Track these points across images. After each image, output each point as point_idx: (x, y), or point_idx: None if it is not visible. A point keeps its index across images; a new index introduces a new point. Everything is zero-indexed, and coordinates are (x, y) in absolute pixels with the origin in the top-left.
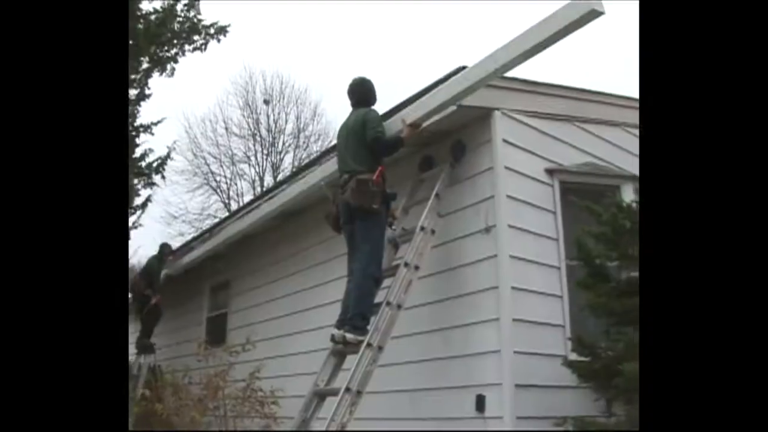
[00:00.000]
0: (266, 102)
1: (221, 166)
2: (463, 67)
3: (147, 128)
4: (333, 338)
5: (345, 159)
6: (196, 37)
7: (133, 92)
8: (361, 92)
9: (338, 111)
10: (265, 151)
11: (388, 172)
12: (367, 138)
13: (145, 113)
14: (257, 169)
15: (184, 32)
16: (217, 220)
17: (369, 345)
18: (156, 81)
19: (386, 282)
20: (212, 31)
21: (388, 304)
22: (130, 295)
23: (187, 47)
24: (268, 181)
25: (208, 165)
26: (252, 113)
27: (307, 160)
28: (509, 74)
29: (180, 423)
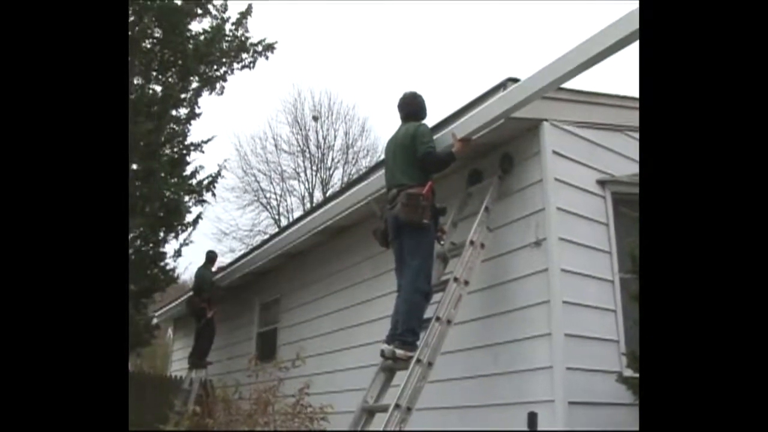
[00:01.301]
0: (315, 118)
1: (271, 182)
2: (511, 79)
3: (197, 146)
4: (383, 353)
5: (393, 173)
6: (244, 55)
7: (183, 111)
8: (412, 106)
9: (386, 126)
10: (315, 167)
11: (437, 186)
12: (418, 153)
13: (195, 132)
14: (307, 186)
15: (232, 51)
16: (267, 236)
17: (419, 361)
18: (206, 100)
19: (436, 297)
20: (260, 48)
21: (438, 319)
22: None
23: (235, 65)
24: (318, 197)
25: (258, 182)
26: (301, 130)
27: (356, 176)
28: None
29: None
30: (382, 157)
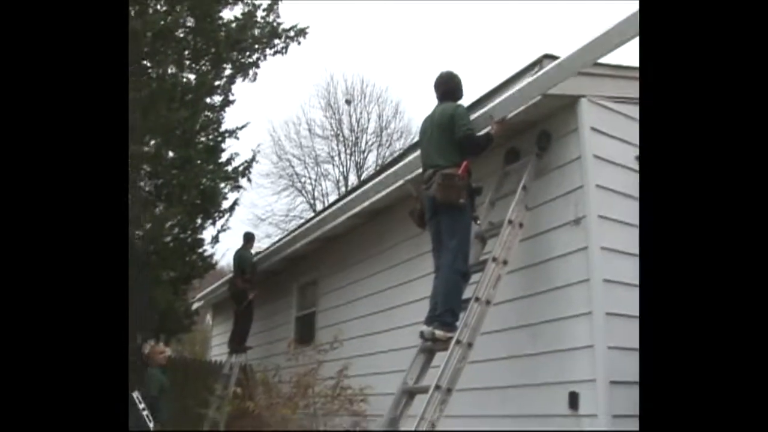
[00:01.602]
0: (348, 102)
1: (305, 167)
2: (547, 56)
3: (232, 133)
4: (422, 335)
5: (429, 153)
6: (276, 41)
7: (217, 99)
8: (448, 86)
9: (419, 108)
10: (349, 151)
11: (473, 166)
12: (457, 135)
13: (229, 118)
14: (341, 169)
15: (264, 37)
16: (302, 220)
17: (458, 342)
18: (239, 86)
19: (474, 277)
20: (292, 34)
21: (477, 299)
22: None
23: (268, 51)
24: (353, 180)
25: (293, 167)
26: (334, 114)
27: (390, 158)
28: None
29: (271, 420)
30: (417, 138)
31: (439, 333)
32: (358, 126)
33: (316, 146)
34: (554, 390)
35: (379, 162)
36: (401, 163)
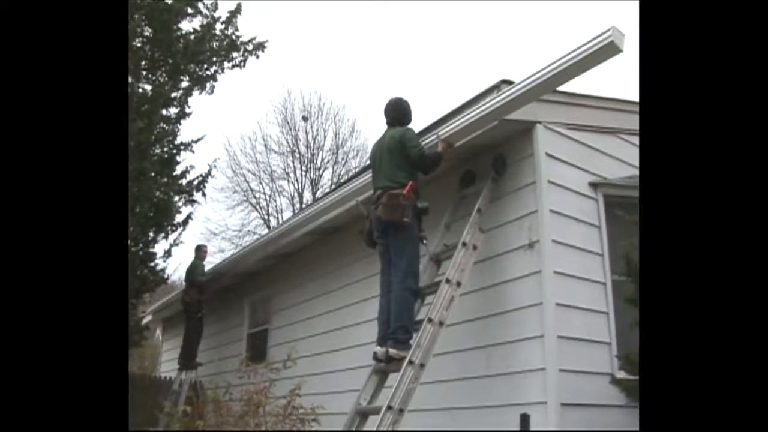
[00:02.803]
0: (305, 119)
1: (260, 182)
2: (505, 81)
3: (188, 146)
4: (375, 356)
5: (378, 176)
6: (234, 54)
7: (173, 111)
8: (397, 111)
9: (375, 128)
10: (304, 168)
11: (429, 188)
12: (411, 156)
13: (185, 131)
14: (296, 186)
15: (223, 50)
16: (256, 236)
17: (411, 362)
18: (195, 99)
19: (428, 299)
20: (251, 47)
21: (430, 320)
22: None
23: (226, 64)
24: (307, 197)
25: (248, 182)
26: (291, 130)
27: (346, 176)
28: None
29: None
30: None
31: (393, 351)
32: (314, 143)
33: (271, 162)
34: (506, 411)
35: (335, 180)
36: (357, 182)
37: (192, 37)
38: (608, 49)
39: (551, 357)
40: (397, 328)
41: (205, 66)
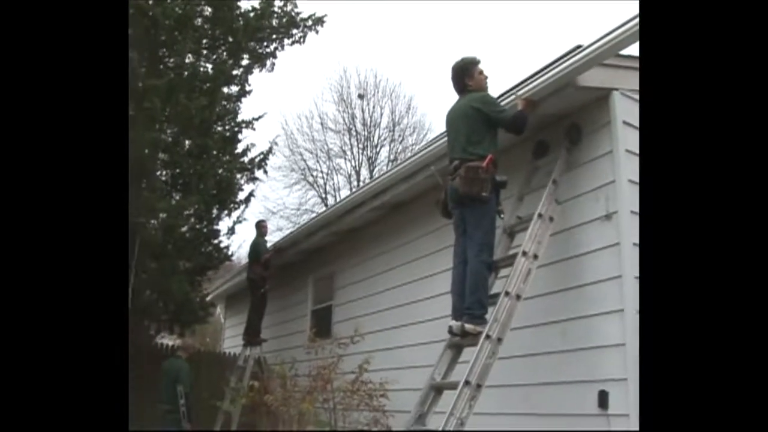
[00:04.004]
0: (361, 96)
1: (318, 161)
2: (579, 47)
3: (249, 124)
4: (451, 330)
5: (455, 145)
6: (294, 31)
7: (234, 89)
8: (464, 74)
9: (432, 104)
10: (361, 146)
11: (500, 159)
12: (500, 120)
13: (246, 109)
14: (353, 164)
15: (282, 27)
16: (314, 214)
17: (488, 337)
18: (256, 77)
19: (503, 272)
20: (310, 23)
21: (507, 294)
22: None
23: (286, 41)
24: (365, 175)
25: (305, 160)
26: (347, 108)
27: (402, 154)
28: (627, 52)
29: (287, 414)
30: (429, 134)
31: (468, 327)
32: (370, 120)
33: (328, 140)
34: (582, 388)
35: (392, 157)
36: (423, 155)
37: (252, 14)
38: None
39: (631, 332)
40: (473, 302)
41: (265, 43)
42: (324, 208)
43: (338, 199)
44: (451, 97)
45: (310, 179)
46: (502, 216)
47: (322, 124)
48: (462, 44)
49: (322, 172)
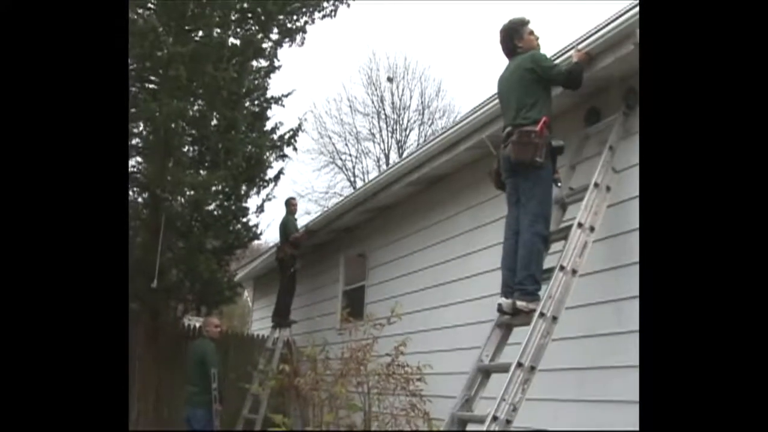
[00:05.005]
0: (390, 80)
1: (346, 144)
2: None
3: (278, 100)
4: (500, 308)
5: (508, 111)
6: (325, 4)
7: (263, 63)
8: (514, 34)
9: (461, 87)
10: (390, 129)
11: (552, 124)
12: (554, 76)
13: (274, 86)
14: (382, 147)
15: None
16: (342, 198)
17: (542, 315)
18: (285, 52)
19: (555, 246)
20: None
21: (562, 269)
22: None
23: (316, 15)
24: (394, 158)
25: (334, 144)
26: (376, 90)
27: (432, 137)
28: None
29: (318, 398)
30: (458, 116)
31: (521, 304)
32: (400, 103)
33: (357, 123)
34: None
35: (421, 140)
36: (463, 126)
37: None
38: None
39: None
40: (525, 277)
41: (295, 17)
42: (352, 191)
43: (365, 182)
44: (482, 79)
45: (339, 162)
46: (559, 184)
47: (350, 106)
48: (492, 28)
49: (350, 155)
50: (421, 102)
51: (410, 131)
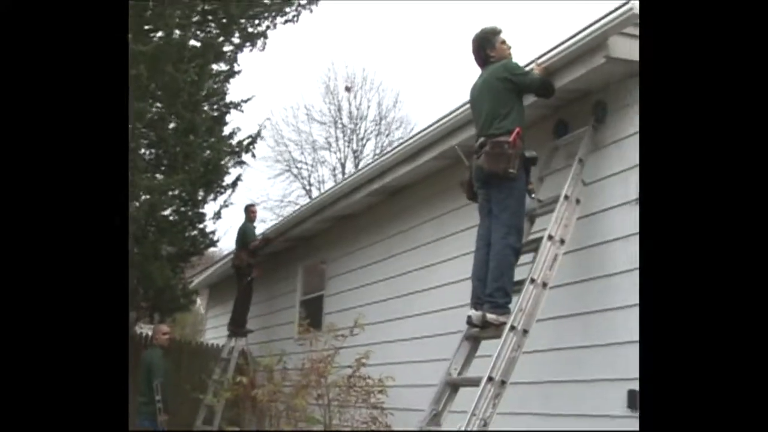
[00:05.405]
0: (348, 89)
1: (302, 152)
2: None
3: (237, 105)
4: (470, 320)
5: (480, 121)
6: (288, 9)
7: (223, 68)
8: (485, 44)
9: (419, 98)
10: (347, 138)
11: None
12: (527, 84)
13: (233, 91)
14: (338, 156)
15: (275, 4)
16: (297, 206)
17: (513, 328)
18: (245, 57)
19: (523, 259)
20: (304, 1)
21: (533, 281)
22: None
23: (279, 20)
24: (350, 168)
25: (290, 152)
26: (333, 99)
27: (389, 147)
28: None
29: (275, 409)
30: (416, 127)
31: (491, 317)
32: (357, 113)
33: (314, 132)
34: (608, 387)
35: (377, 150)
36: (425, 135)
37: None
38: None
39: None
40: (496, 289)
41: (257, 21)
42: (308, 200)
43: (323, 191)
44: (439, 93)
45: (295, 171)
46: (533, 196)
47: (308, 115)
48: (452, 42)
49: (306, 164)
50: (379, 112)
51: (367, 141)
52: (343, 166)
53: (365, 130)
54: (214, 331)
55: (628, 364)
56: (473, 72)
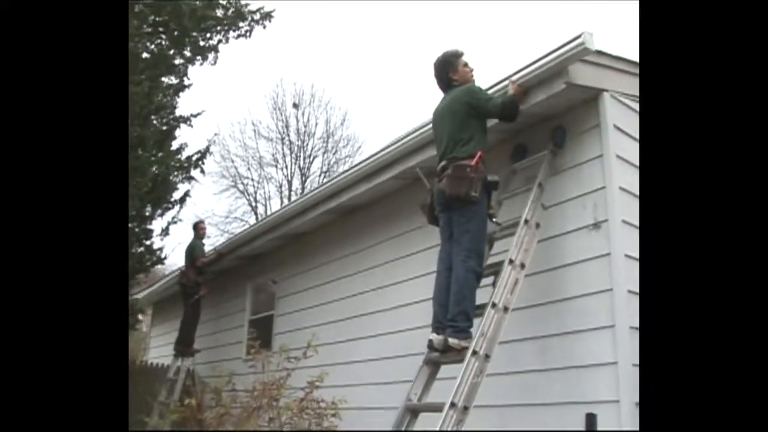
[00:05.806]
0: (295, 106)
1: (249, 168)
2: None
3: (186, 120)
4: (431, 345)
5: (442, 145)
6: (241, 24)
7: (173, 81)
8: (446, 67)
9: (367, 117)
10: (294, 155)
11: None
12: (490, 108)
13: (183, 105)
14: (285, 173)
15: (228, 18)
16: (243, 223)
17: (475, 353)
18: (196, 71)
19: (483, 282)
20: (258, 16)
21: (494, 305)
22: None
23: (231, 34)
24: (296, 185)
25: (236, 167)
26: (281, 116)
27: (336, 165)
28: (619, 53)
29: None
30: (363, 148)
31: (453, 341)
32: (304, 130)
33: (260, 148)
34: (565, 411)
35: (324, 168)
36: (386, 153)
37: (198, 2)
38: None
39: (624, 350)
40: (458, 313)
41: (209, 35)
42: (253, 217)
43: (269, 209)
44: (387, 113)
45: (241, 187)
46: (494, 220)
47: (255, 130)
48: (404, 63)
49: (252, 180)
50: (326, 130)
51: (314, 158)
52: (289, 182)
53: (312, 147)
54: (158, 350)
55: (585, 388)
56: (426, 93)
